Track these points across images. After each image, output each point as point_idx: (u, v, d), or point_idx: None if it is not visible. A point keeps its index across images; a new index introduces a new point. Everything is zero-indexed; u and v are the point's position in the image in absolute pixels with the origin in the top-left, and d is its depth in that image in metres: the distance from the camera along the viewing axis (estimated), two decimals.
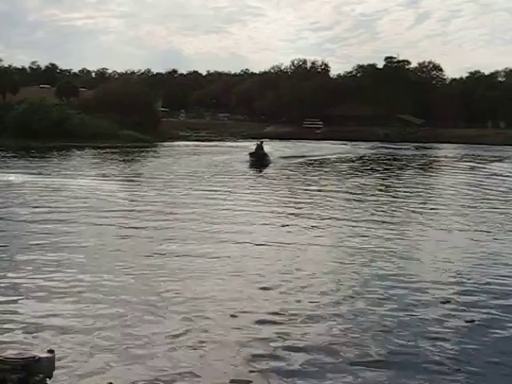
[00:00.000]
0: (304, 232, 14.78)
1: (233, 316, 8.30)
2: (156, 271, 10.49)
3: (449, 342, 7.64)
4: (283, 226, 15.22)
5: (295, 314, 8.44)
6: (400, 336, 7.79)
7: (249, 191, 22.78)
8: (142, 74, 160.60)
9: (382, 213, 18.29)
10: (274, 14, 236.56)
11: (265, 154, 37.90)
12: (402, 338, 7.74)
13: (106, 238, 13.54)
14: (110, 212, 17.15)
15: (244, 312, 8.50)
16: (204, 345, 7.32)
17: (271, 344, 7.35)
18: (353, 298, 9.34)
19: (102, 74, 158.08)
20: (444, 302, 9.20)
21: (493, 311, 8.86)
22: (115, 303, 8.74)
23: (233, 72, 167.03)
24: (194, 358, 7.00)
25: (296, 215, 17.45)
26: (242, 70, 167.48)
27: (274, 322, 8.12)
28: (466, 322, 8.39)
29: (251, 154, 37.17)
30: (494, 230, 15.64)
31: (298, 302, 9.05)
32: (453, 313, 8.75)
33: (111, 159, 39.39)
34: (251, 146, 39.90)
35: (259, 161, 36.35)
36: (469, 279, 10.51)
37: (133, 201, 19.87)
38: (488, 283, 10.28)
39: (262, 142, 39.22)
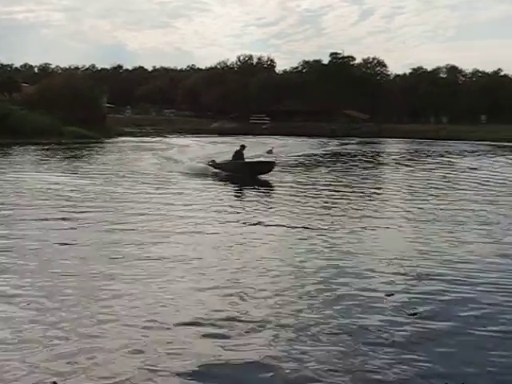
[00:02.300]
0: (249, 228, 14.76)
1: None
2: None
3: (390, 335, 7.67)
4: (232, 226, 15.06)
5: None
6: (341, 333, 7.77)
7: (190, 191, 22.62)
8: (87, 69, 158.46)
9: (329, 209, 18.43)
10: (219, 9, 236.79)
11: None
12: (344, 337, 7.71)
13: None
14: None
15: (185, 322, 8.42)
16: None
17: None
18: (294, 293, 9.32)
19: (44, 69, 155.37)
20: (388, 295, 9.26)
21: (437, 304, 8.93)
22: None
23: (179, 67, 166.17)
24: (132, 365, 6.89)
25: (241, 213, 17.47)
26: (188, 66, 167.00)
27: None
28: (409, 314, 8.44)
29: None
30: (442, 223, 15.90)
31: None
32: (396, 305, 8.80)
33: (55, 156, 38.68)
34: (198, 142, 38.56)
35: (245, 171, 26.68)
36: (413, 272, 10.57)
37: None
38: (432, 276, 10.37)
39: (243, 147, 28.72)
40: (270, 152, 28.75)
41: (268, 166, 27.33)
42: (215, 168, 27.51)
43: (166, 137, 71.87)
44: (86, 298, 8.94)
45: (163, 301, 8.84)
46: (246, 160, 28.47)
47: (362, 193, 22.57)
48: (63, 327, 7.74)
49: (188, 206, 17.81)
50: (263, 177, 26.43)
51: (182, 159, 33.61)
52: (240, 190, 23.24)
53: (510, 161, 43.69)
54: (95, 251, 11.84)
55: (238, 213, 17.02)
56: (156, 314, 8.31)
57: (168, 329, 7.79)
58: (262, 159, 32.27)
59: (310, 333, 7.69)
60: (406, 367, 6.78)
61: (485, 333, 7.80)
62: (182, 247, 12.32)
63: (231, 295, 9.11)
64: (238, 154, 28.11)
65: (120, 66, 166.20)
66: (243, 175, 26.01)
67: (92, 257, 11.37)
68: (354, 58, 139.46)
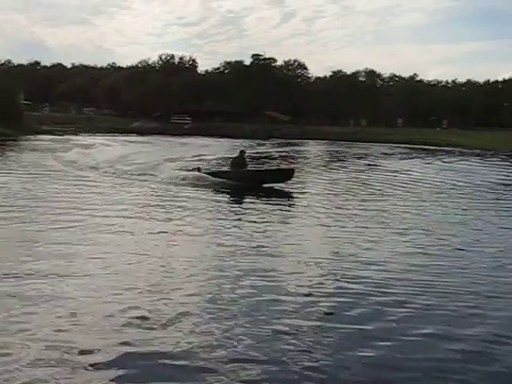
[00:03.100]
0: (171, 232, 14.76)
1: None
2: None
3: (306, 335, 7.78)
4: (151, 232, 14.91)
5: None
6: (257, 331, 7.85)
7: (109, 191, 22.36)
8: (2, 64, 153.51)
9: (249, 211, 18.60)
10: (140, 6, 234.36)
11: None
12: (259, 333, 7.82)
13: None
14: None
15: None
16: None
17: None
18: (210, 295, 9.33)
19: None
20: (306, 295, 9.41)
21: (354, 304, 9.08)
22: None
23: (99, 65, 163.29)
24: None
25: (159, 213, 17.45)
26: (108, 64, 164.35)
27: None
28: (325, 314, 8.59)
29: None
30: (364, 224, 16.29)
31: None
32: (313, 305, 8.91)
33: None
34: (110, 142, 36.71)
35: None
36: (332, 273, 10.77)
37: None
38: (351, 277, 10.58)
39: (243, 153, 25.99)
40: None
41: (288, 174, 24.66)
42: (215, 177, 24.17)
43: (78, 135, 69.91)
44: None
45: (81, 298, 8.71)
46: (264, 168, 27.24)
47: (283, 195, 22.81)
48: None
49: (108, 206, 17.59)
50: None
51: (83, 161, 32.05)
52: (166, 191, 22.99)
53: (424, 163, 45.13)
54: (8, 249, 11.55)
55: (160, 214, 16.92)
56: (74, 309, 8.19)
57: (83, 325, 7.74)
58: (282, 167, 30.29)
59: (226, 333, 7.76)
60: (323, 369, 6.91)
61: (401, 337, 7.95)
62: (96, 246, 12.10)
63: (149, 293, 9.07)
64: (239, 161, 25.08)
65: (37, 63, 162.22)
66: (251, 184, 23.33)
67: (4, 255, 11.09)
68: (275, 60, 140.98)
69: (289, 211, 18.91)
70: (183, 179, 24.29)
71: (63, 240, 12.59)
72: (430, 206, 20.37)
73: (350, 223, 16.42)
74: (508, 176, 35.00)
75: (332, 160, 47.28)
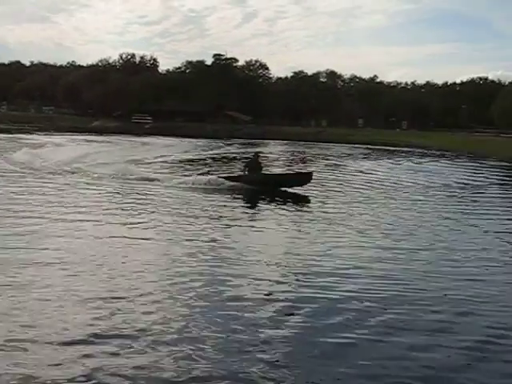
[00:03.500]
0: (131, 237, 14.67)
1: None
2: None
3: (266, 335, 7.82)
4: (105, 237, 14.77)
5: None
6: (219, 335, 7.85)
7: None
8: None
9: (210, 212, 18.57)
10: (101, 5, 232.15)
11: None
12: (215, 333, 7.85)
13: None
14: None
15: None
16: None
17: None
18: (171, 300, 9.33)
19: None
20: (267, 295, 9.46)
21: (314, 304, 9.18)
22: None
23: (59, 64, 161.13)
24: None
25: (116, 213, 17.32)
26: (68, 62, 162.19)
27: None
28: (286, 314, 8.65)
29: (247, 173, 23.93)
30: (324, 224, 16.40)
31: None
32: (274, 305, 8.97)
33: None
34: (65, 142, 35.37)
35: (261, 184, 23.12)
36: (293, 272, 10.87)
37: None
38: (312, 276, 10.70)
39: (258, 156, 25.50)
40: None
41: (306, 178, 24.27)
42: (232, 181, 23.32)
43: (33, 134, 68.65)
44: None
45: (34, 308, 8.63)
46: (282, 172, 26.91)
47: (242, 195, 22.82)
48: None
49: (67, 209, 17.38)
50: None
51: (30, 161, 30.78)
52: (127, 192, 22.79)
53: (383, 162, 45.58)
54: None
55: (123, 216, 16.81)
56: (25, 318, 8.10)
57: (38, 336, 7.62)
58: (302, 170, 29.35)
59: (189, 335, 7.77)
60: (282, 367, 6.95)
61: (361, 336, 8.03)
62: (55, 251, 11.95)
63: (108, 300, 9.04)
64: (254, 164, 24.34)
65: None
66: (267, 188, 22.86)
67: None
68: (236, 60, 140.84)
69: (255, 214, 18.90)
70: (194, 183, 23.58)
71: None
72: (397, 207, 20.63)
73: (309, 222, 16.57)
74: (468, 176, 35.53)
75: (295, 161, 47.41)
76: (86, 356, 7.01)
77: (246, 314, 8.57)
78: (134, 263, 11.16)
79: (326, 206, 20.32)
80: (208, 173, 29.36)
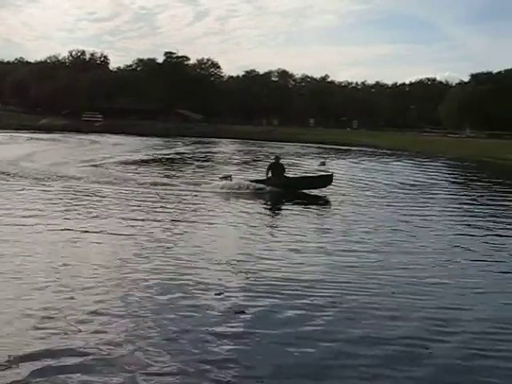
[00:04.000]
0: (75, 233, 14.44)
1: None
2: None
3: (215, 334, 7.78)
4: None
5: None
6: (164, 330, 7.83)
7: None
8: None
9: (160, 210, 18.42)
10: (49, 0, 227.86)
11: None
12: (166, 331, 7.80)
13: None
14: None
15: None
16: None
17: None
18: (119, 299, 9.20)
19: None
20: (217, 294, 9.40)
21: (264, 302, 9.15)
22: None
23: (6, 60, 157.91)
24: None
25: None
26: (16, 59, 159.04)
27: None
28: (236, 313, 8.62)
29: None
30: (275, 223, 16.44)
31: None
32: (224, 304, 8.95)
33: None
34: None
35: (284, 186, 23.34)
36: (243, 271, 10.82)
37: None
38: (262, 275, 10.68)
39: (279, 159, 25.35)
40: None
41: (328, 179, 24.77)
42: (272, 186, 23.29)
43: None
44: None
45: None
46: (308, 174, 27.59)
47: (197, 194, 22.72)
48: None
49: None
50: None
51: None
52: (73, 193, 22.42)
53: (341, 162, 45.98)
54: None
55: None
56: None
57: None
58: (322, 173, 29.26)
59: (134, 331, 7.70)
60: (231, 365, 6.92)
61: (304, 334, 8.00)
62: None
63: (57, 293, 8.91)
64: (277, 167, 24.41)
65: None
66: (289, 190, 23.12)
67: None
68: (188, 58, 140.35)
69: (200, 209, 18.79)
70: (223, 188, 23.31)
71: None
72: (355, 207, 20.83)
73: (260, 220, 16.60)
74: (423, 175, 36.14)
75: (248, 160, 47.41)
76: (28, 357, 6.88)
77: (195, 314, 8.53)
78: (80, 263, 10.99)
79: (281, 205, 20.40)
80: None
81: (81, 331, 7.65)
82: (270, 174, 24.06)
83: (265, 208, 19.90)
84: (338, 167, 39.65)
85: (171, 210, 17.96)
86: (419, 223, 17.47)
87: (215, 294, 9.43)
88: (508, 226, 17.52)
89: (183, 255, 11.97)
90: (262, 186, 23.33)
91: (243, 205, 19.86)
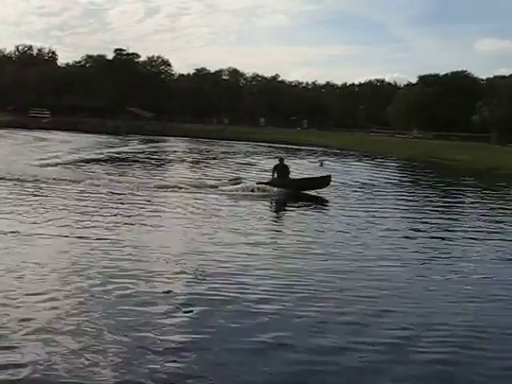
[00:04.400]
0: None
1: None
2: None
3: (162, 333, 7.75)
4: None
5: None
6: (116, 334, 7.69)
7: None
8: None
9: (111, 210, 18.25)
10: None
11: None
12: (116, 331, 7.71)
13: None
14: None
15: None
16: None
17: None
18: (70, 299, 9.08)
19: None
20: (165, 293, 9.35)
21: (211, 302, 9.09)
22: None
23: None
24: None
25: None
26: None
27: None
28: (184, 312, 8.58)
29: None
30: (223, 222, 16.44)
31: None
32: (172, 303, 8.89)
33: None
34: None
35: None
36: (191, 270, 10.74)
37: None
38: (210, 274, 10.59)
39: (283, 160, 25.78)
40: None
41: (327, 180, 25.32)
42: (278, 187, 23.61)
43: None
44: None
45: None
46: (309, 176, 27.78)
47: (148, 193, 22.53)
48: None
49: None
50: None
51: None
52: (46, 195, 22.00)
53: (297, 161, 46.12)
54: None
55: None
56: None
57: None
58: (322, 174, 28.60)
59: (81, 326, 7.62)
60: (178, 365, 6.89)
61: (258, 338, 7.90)
62: None
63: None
64: (282, 169, 24.83)
65: None
66: (293, 191, 23.82)
67: None
68: (138, 56, 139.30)
69: (147, 208, 18.64)
70: (237, 190, 23.32)
71: None
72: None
73: (208, 219, 16.59)
74: (373, 174, 36.53)
75: (198, 158, 47.28)
76: None
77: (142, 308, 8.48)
78: (28, 264, 10.73)
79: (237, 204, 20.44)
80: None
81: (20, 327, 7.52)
82: (275, 176, 24.43)
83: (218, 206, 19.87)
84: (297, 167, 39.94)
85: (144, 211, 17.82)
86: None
87: (163, 293, 9.37)
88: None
89: (130, 254, 11.82)
90: (268, 187, 23.61)
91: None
